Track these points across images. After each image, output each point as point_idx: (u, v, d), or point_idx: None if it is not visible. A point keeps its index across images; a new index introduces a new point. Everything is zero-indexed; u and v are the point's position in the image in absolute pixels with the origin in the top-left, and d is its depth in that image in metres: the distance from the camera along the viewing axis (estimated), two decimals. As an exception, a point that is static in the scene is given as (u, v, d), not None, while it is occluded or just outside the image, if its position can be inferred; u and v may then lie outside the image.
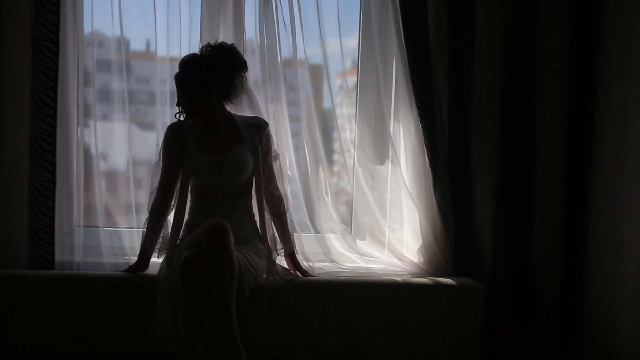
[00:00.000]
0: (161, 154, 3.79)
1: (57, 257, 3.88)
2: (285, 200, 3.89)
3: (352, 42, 4.30)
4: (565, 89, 4.00)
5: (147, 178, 3.99)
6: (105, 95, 4.01)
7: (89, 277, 3.73)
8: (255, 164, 3.75)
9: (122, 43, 3.99)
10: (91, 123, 3.97)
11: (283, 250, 3.89)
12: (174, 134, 3.75)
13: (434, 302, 3.89)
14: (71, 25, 3.89)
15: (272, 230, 3.88)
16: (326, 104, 4.26)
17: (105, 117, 4.04)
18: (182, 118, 3.78)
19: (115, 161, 4.11)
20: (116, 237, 4.03)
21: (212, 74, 3.68)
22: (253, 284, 3.60)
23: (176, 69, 3.74)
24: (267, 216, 3.86)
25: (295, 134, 4.09)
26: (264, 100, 3.98)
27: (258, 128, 3.80)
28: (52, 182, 3.82)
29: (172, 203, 3.77)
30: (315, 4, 4.05)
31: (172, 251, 3.65)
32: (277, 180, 3.88)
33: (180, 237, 3.72)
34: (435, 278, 3.97)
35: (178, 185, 3.75)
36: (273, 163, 3.87)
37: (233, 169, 3.70)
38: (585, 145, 4.08)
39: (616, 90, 3.85)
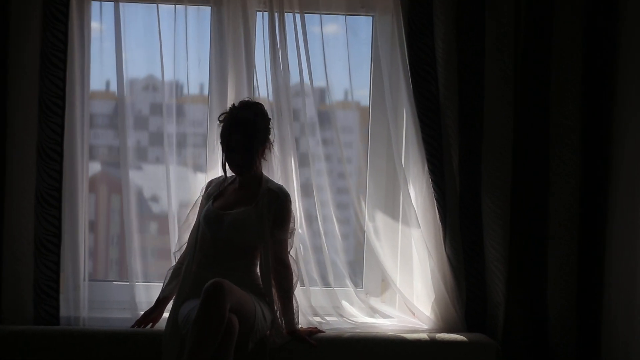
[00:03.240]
0: (195, 206, 3.87)
1: (63, 312, 3.87)
2: (295, 279, 3.76)
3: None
4: (580, 143, 3.95)
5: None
6: (159, 138, 4.05)
7: (92, 333, 3.70)
8: (260, 231, 3.67)
9: (176, 87, 4.04)
10: (145, 166, 3.98)
11: (284, 327, 3.73)
12: (205, 189, 3.84)
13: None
14: (78, 78, 3.91)
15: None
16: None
17: (158, 160, 4.08)
18: (228, 173, 3.75)
19: (169, 204, 4.05)
20: (126, 291, 4.01)
21: (269, 128, 3.75)
22: (260, 336, 3.58)
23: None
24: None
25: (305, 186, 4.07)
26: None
27: (275, 198, 3.69)
28: (57, 236, 3.83)
29: None
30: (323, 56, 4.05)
31: (178, 307, 3.62)
32: (289, 257, 3.76)
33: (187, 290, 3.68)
34: (445, 334, 3.89)
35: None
36: (287, 238, 3.74)
37: (231, 227, 3.65)
38: (600, 199, 4.01)
39: (629, 142, 3.79)
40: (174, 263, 3.85)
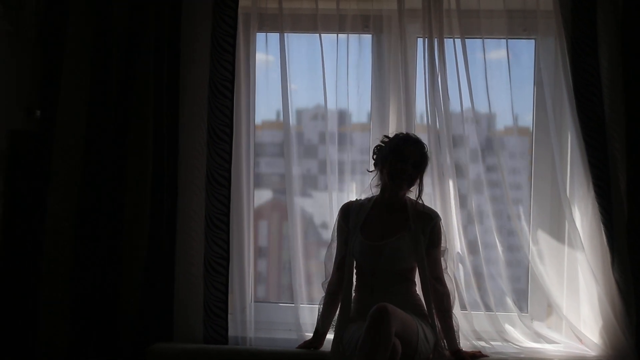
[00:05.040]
0: (334, 234, 3.87)
1: (231, 332, 4.00)
2: (452, 298, 3.77)
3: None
4: None
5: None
6: (324, 165, 4.13)
7: (259, 352, 3.80)
8: (417, 254, 3.71)
9: (339, 115, 4.15)
10: (314, 193, 4.08)
11: (447, 346, 3.74)
12: (343, 215, 3.82)
13: (612, 387, 3.69)
14: (245, 107, 4.07)
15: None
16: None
17: (326, 187, 4.14)
18: (372, 192, 3.83)
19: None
20: (292, 312, 4.10)
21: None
22: (423, 358, 3.57)
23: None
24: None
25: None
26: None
27: (427, 219, 3.75)
28: (226, 259, 3.96)
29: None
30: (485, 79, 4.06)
31: (342, 330, 3.66)
32: (445, 275, 3.78)
33: (350, 314, 3.73)
34: (614, 361, 3.78)
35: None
36: (441, 257, 3.78)
37: (390, 257, 3.69)
38: None
39: None
40: (323, 294, 3.86)
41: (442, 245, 3.78)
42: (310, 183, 4.29)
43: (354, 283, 3.77)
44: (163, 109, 3.97)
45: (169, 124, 3.99)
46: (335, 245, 3.86)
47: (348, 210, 3.83)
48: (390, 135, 3.82)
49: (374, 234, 3.74)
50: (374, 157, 3.81)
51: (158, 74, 3.97)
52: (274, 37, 4.12)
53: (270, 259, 4.43)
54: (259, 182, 4.33)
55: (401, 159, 3.68)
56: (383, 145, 3.79)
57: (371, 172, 3.84)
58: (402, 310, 3.50)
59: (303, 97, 4.25)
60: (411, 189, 3.77)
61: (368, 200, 3.83)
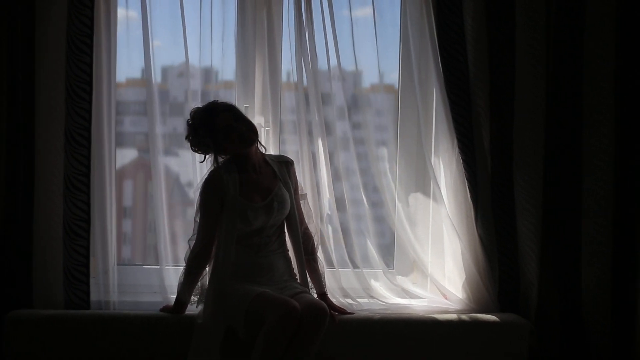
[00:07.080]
0: (200, 209, 3.69)
1: (93, 296, 3.89)
2: (316, 239, 3.82)
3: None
4: (613, 118, 3.88)
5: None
6: None
7: (121, 317, 3.71)
8: (291, 202, 3.72)
9: (212, 74, 4.06)
10: (182, 153, 3.97)
11: (315, 289, 3.78)
12: (213, 187, 3.65)
13: (476, 340, 3.77)
14: (105, 64, 3.92)
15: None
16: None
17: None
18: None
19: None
20: (156, 274, 4.00)
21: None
22: None
23: None
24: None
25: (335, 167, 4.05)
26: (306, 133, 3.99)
27: (287, 165, 3.78)
28: (86, 221, 3.83)
29: (213, 254, 3.68)
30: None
31: (218, 297, 3.56)
32: (306, 219, 3.82)
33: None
34: (477, 315, 3.85)
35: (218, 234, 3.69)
36: (301, 202, 3.82)
37: (280, 209, 3.67)
38: (636, 173, 3.92)
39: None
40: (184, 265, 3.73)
41: (300, 188, 3.83)
42: (177, 142, 4.16)
43: (233, 247, 3.64)
44: (18, 67, 3.78)
45: (25, 82, 3.80)
46: (204, 220, 3.67)
47: (219, 181, 3.64)
48: (188, 123, 3.71)
49: (255, 195, 3.67)
50: (194, 149, 3.72)
51: (11, 30, 3.77)
52: (135, -10, 3.99)
53: (136, 220, 4.33)
54: (123, 141, 4.21)
55: (226, 131, 3.60)
56: (194, 135, 3.68)
57: (202, 162, 3.79)
58: (284, 274, 3.69)
59: (167, 54, 4.11)
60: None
61: (227, 167, 3.69)
